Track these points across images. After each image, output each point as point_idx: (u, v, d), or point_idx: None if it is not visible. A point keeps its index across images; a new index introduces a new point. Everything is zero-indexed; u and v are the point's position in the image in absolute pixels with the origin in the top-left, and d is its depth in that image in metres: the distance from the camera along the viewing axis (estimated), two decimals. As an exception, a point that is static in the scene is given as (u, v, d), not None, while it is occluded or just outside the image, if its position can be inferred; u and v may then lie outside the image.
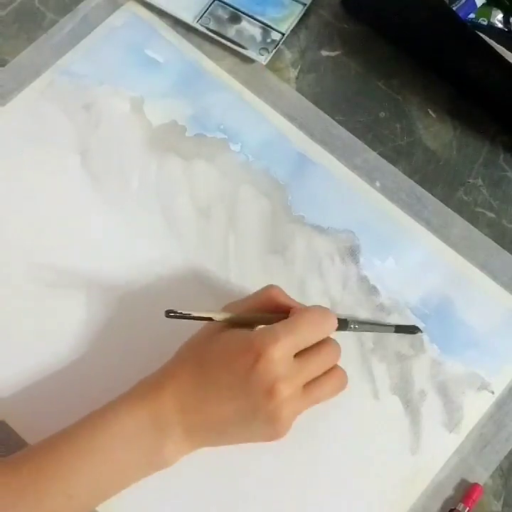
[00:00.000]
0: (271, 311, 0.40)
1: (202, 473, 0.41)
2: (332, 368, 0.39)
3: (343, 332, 0.41)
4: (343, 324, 0.41)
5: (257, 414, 0.36)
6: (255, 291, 0.41)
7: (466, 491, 0.41)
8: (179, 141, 0.49)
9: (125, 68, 0.51)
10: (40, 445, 0.37)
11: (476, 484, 0.41)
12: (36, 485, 0.35)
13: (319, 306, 0.40)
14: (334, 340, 0.39)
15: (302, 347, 0.37)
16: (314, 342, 0.38)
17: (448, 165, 0.50)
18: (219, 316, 0.39)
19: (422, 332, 0.44)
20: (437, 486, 0.42)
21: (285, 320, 0.38)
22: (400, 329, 0.44)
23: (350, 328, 0.42)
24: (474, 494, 0.41)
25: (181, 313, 0.38)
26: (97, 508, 0.40)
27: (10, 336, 0.44)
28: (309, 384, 0.38)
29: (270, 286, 0.41)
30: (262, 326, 0.38)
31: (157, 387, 0.37)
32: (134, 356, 0.43)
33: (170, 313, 0.38)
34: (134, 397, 0.38)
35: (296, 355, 0.37)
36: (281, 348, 0.36)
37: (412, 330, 0.44)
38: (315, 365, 0.38)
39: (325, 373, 0.39)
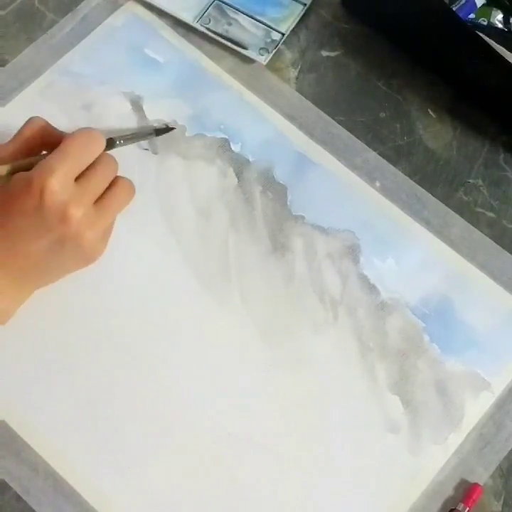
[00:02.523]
0: (42, 146, 0.42)
1: (202, 474, 0.41)
2: (115, 180, 0.42)
3: (342, 331, 0.41)
4: (111, 143, 0.43)
5: (63, 244, 0.39)
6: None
7: (466, 491, 0.41)
8: (179, 141, 0.49)
9: (125, 68, 0.51)
10: None
11: (476, 484, 0.41)
12: None
13: (86, 127, 0.41)
14: (107, 154, 0.42)
15: (78, 170, 0.39)
16: (89, 163, 0.40)
17: (448, 165, 0.50)
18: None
19: (175, 128, 0.48)
20: (437, 486, 0.42)
21: (55, 150, 0.39)
22: (159, 132, 0.48)
23: (117, 144, 0.44)
24: (474, 494, 0.41)
25: None
26: (96, 508, 0.40)
27: (10, 335, 0.44)
28: (98, 200, 0.40)
29: (31, 119, 0.42)
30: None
31: None
32: (133, 355, 0.43)
33: None
34: None
35: (76, 180, 0.39)
36: (58, 177, 0.37)
37: (169, 129, 0.48)
38: (96, 182, 0.40)
39: (109, 187, 0.41)
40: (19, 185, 0.38)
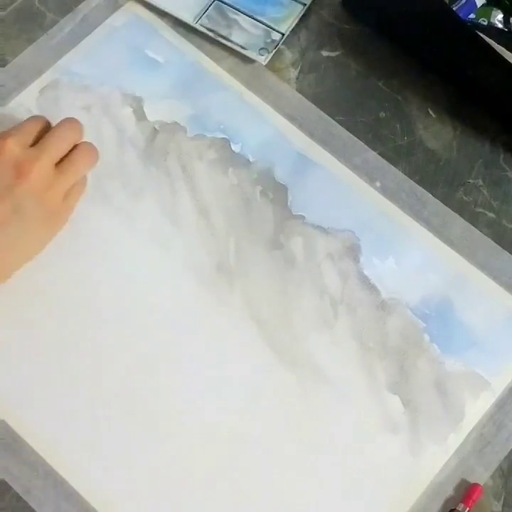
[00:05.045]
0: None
1: (203, 474, 0.41)
2: (79, 144, 0.43)
3: (342, 331, 0.41)
4: None
5: (25, 203, 0.40)
6: None
7: (466, 491, 0.41)
8: (179, 141, 0.49)
9: (125, 68, 0.51)
10: None
11: (476, 484, 0.41)
12: None
13: None
14: (71, 118, 0.44)
15: (29, 139, 0.41)
16: (40, 134, 0.42)
17: (448, 165, 0.50)
18: None
19: None
20: (437, 486, 0.42)
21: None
22: None
23: None
24: (474, 494, 0.41)
25: None
26: (97, 508, 0.40)
27: (10, 335, 0.44)
28: (59, 163, 0.42)
29: (36, 116, 0.44)
30: None
31: None
32: (133, 355, 0.43)
33: None
34: None
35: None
36: (15, 138, 0.40)
37: None
38: (54, 142, 0.42)
39: (71, 150, 0.43)
40: None
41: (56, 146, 0.42)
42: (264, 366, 0.43)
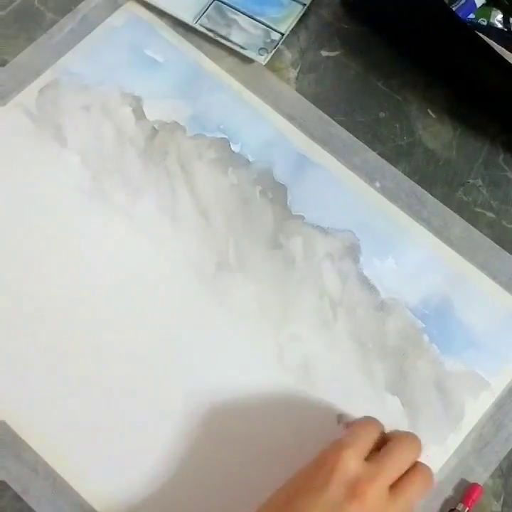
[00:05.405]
0: None
1: (204, 475, 0.41)
2: (416, 464, 0.38)
3: (341, 331, 0.41)
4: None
5: None
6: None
7: (466, 491, 0.41)
8: (179, 141, 0.49)
9: (125, 68, 0.51)
10: None
11: (475, 484, 0.41)
12: None
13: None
14: (412, 434, 0.39)
15: (369, 449, 0.37)
16: (381, 444, 0.37)
17: (448, 165, 0.50)
18: None
19: None
20: (437, 486, 0.42)
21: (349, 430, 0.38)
22: None
23: None
24: (474, 494, 0.41)
25: None
26: (96, 508, 0.40)
27: (10, 335, 0.44)
28: (395, 484, 0.36)
29: (372, 420, 0.40)
30: None
31: None
32: (133, 355, 0.43)
33: None
34: None
35: (367, 459, 0.36)
36: (352, 451, 0.35)
37: None
38: (392, 462, 0.37)
39: (407, 471, 0.37)
40: (315, 461, 0.37)
41: (394, 467, 0.36)
42: (264, 366, 0.43)
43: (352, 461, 0.35)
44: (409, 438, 0.38)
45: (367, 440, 0.37)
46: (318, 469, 0.36)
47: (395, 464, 0.37)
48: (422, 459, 0.42)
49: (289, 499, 0.36)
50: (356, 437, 0.37)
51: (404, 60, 0.52)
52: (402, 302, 0.45)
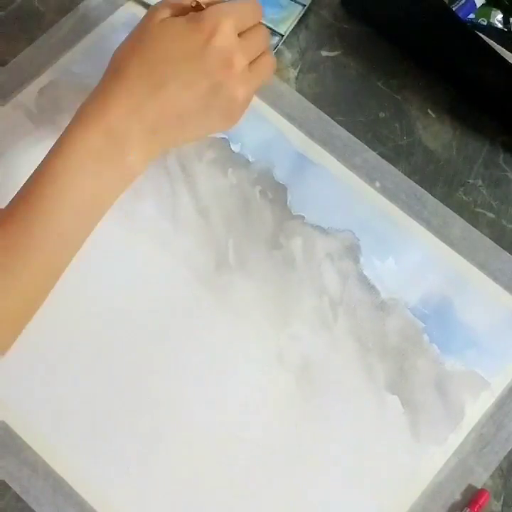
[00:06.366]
0: None
1: (202, 474, 0.41)
2: (266, 51, 0.41)
3: (341, 331, 0.41)
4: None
5: (218, 93, 0.38)
6: None
7: (472, 496, 0.41)
8: (179, 141, 0.49)
9: (125, 68, 0.51)
10: (20, 197, 0.38)
11: (483, 489, 0.41)
12: (26, 229, 0.36)
13: None
14: (264, 25, 0.41)
15: (243, 26, 0.39)
16: (250, 25, 0.39)
17: (448, 165, 0.50)
18: None
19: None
20: (437, 486, 0.42)
21: (228, 2, 0.39)
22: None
23: None
24: (481, 500, 0.41)
25: None
26: (96, 508, 0.40)
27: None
28: (252, 63, 0.39)
29: None
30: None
31: (103, 103, 0.37)
32: (133, 356, 0.43)
33: None
34: (84, 122, 0.37)
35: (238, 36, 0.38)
36: (231, 21, 0.37)
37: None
38: (257, 42, 0.40)
39: (260, 55, 0.40)
40: (186, 23, 0.37)
41: (258, 47, 0.40)
42: (263, 366, 0.43)
43: (231, 34, 0.37)
44: (263, 26, 0.41)
45: (246, 16, 0.39)
46: (192, 33, 0.37)
47: (257, 46, 0.40)
48: (422, 459, 0.42)
49: (151, 64, 0.38)
50: (236, 9, 0.38)
51: (405, 60, 0.52)
52: (402, 302, 0.45)
